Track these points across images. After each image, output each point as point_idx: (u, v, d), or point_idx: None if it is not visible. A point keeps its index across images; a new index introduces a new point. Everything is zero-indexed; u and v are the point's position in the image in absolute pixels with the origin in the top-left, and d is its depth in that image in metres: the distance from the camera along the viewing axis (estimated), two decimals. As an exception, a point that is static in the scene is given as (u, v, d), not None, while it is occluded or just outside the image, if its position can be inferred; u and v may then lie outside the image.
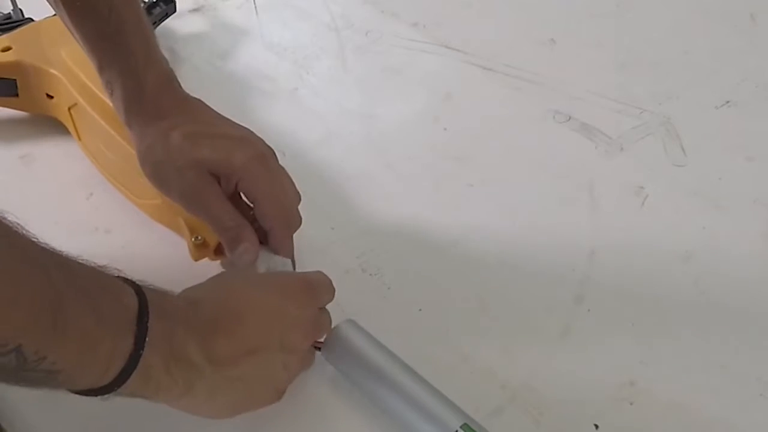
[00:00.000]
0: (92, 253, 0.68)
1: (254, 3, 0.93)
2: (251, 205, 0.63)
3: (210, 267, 0.65)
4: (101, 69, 0.65)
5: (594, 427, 0.59)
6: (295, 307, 0.55)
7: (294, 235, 0.65)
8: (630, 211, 0.73)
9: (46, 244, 0.44)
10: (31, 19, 0.83)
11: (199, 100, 0.67)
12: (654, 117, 0.81)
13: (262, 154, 0.62)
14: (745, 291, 0.68)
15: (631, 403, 0.60)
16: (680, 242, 0.71)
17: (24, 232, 0.43)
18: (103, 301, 0.45)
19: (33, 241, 0.43)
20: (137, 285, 0.48)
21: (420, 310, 0.66)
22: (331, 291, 0.60)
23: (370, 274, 0.68)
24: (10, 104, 0.76)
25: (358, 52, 0.88)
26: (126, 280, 0.48)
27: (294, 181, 0.70)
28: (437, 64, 0.87)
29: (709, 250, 0.70)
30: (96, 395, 0.46)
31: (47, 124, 0.74)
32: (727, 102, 0.83)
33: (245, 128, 0.65)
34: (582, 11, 0.93)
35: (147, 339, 0.46)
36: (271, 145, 0.65)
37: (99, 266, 0.47)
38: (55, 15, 0.80)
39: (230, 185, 0.62)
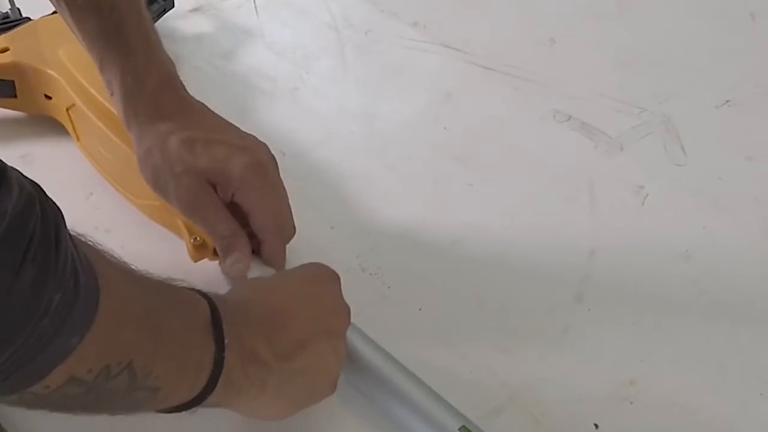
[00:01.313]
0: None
1: (254, 2, 0.92)
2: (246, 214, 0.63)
3: (210, 267, 0.65)
4: (102, 68, 0.64)
5: (594, 427, 0.59)
6: (330, 294, 0.57)
7: (294, 235, 0.66)
8: (630, 211, 0.73)
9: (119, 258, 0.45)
10: (29, 18, 0.83)
11: (202, 103, 0.66)
12: (654, 116, 0.81)
13: (260, 164, 0.62)
14: (745, 290, 0.68)
15: (631, 403, 0.60)
16: (680, 242, 0.71)
17: (106, 252, 0.44)
18: (184, 310, 0.47)
19: (117, 259, 0.45)
20: (201, 291, 0.49)
21: (420, 309, 0.66)
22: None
23: (370, 274, 0.68)
24: (9, 105, 0.76)
25: (358, 52, 0.88)
26: (191, 288, 0.49)
27: (294, 180, 0.70)
28: (437, 63, 0.87)
29: (709, 249, 0.70)
30: (184, 410, 0.47)
31: (47, 124, 0.74)
32: (727, 101, 0.83)
33: (248, 135, 0.65)
34: (582, 11, 0.93)
35: (225, 341, 0.47)
36: (271, 146, 0.65)
37: (163, 278, 0.49)
38: (53, 13, 0.80)
39: (227, 194, 0.62)
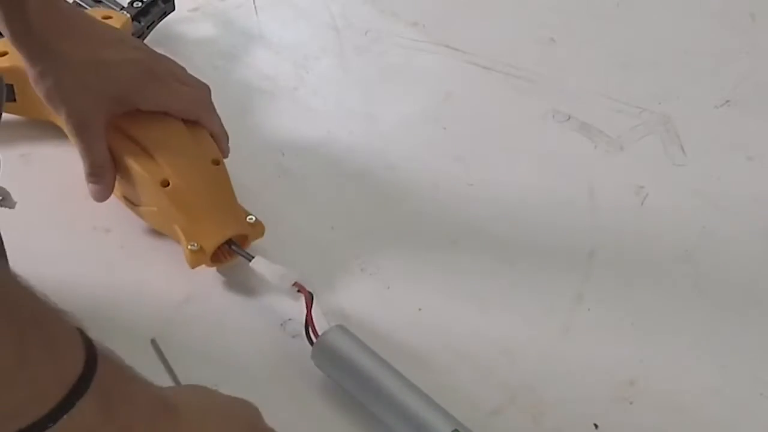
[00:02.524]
0: (91, 253, 0.68)
1: (254, 2, 0.92)
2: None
3: (208, 272, 0.65)
4: None
5: (594, 427, 0.59)
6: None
7: (294, 235, 0.67)
8: (630, 211, 0.73)
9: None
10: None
11: (80, 12, 0.70)
12: (654, 116, 0.81)
13: (152, 72, 0.68)
14: (744, 290, 0.68)
15: (631, 403, 0.60)
16: (680, 241, 0.71)
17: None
18: (32, 345, 0.37)
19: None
20: (89, 347, 0.40)
21: (420, 309, 0.66)
22: None
23: (370, 274, 0.68)
24: (9, 109, 0.75)
25: (358, 52, 0.88)
26: (81, 335, 0.40)
27: (294, 180, 0.70)
28: (437, 63, 0.87)
29: (708, 249, 0.70)
30: None
31: (47, 124, 0.74)
32: (727, 101, 0.83)
33: (126, 40, 0.70)
34: (582, 11, 0.93)
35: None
36: (270, 146, 0.66)
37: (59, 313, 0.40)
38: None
39: (131, 107, 0.67)
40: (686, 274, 0.68)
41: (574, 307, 0.66)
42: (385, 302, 0.66)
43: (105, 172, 0.67)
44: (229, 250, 0.64)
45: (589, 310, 0.66)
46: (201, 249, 0.63)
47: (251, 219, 0.66)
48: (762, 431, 0.60)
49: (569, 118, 0.81)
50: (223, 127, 0.71)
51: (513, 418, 0.59)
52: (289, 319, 0.64)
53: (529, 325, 0.65)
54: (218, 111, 0.71)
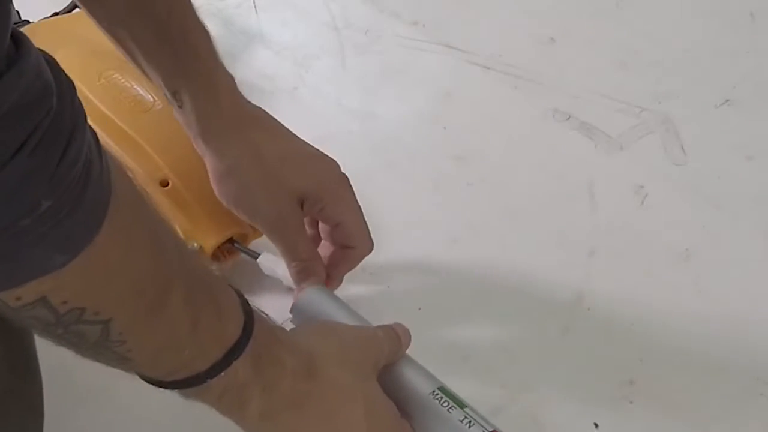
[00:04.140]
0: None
1: (254, 2, 0.92)
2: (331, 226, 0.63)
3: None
4: (165, 78, 0.59)
5: (594, 427, 0.59)
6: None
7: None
8: (629, 210, 0.73)
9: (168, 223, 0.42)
10: (28, 21, 0.83)
11: (262, 109, 0.64)
12: (654, 116, 0.81)
13: (344, 176, 0.63)
14: (744, 290, 0.68)
15: (631, 402, 0.60)
16: (680, 241, 0.71)
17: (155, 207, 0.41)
18: (204, 312, 0.43)
19: (162, 219, 0.42)
20: (247, 312, 0.46)
21: (420, 309, 0.66)
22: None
23: (370, 274, 0.68)
24: None
25: (358, 52, 0.88)
26: (241, 300, 0.46)
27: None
28: (437, 63, 0.87)
29: (708, 248, 0.70)
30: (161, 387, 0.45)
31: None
32: (727, 101, 0.83)
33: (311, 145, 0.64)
34: (582, 10, 0.93)
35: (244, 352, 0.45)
36: None
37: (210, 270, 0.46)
38: (52, 16, 0.80)
39: (314, 209, 0.61)
40: (686, 273, 0.68)
41: (573, 306, 0.66)
42: (385, 302, 0.66)
43: (313, 263, 0.61)
44: (230, 249, 0.64)
45: (589, 309, 0.66)
46: (201, 249, 0.63)
47: None
48: (762, 431, 0.59)
49: (569, 117, 0.81)
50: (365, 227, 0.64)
51: (513, 418, 0.59)
52: (289, 318, 0.64)
53: (529, 325, 0.65)
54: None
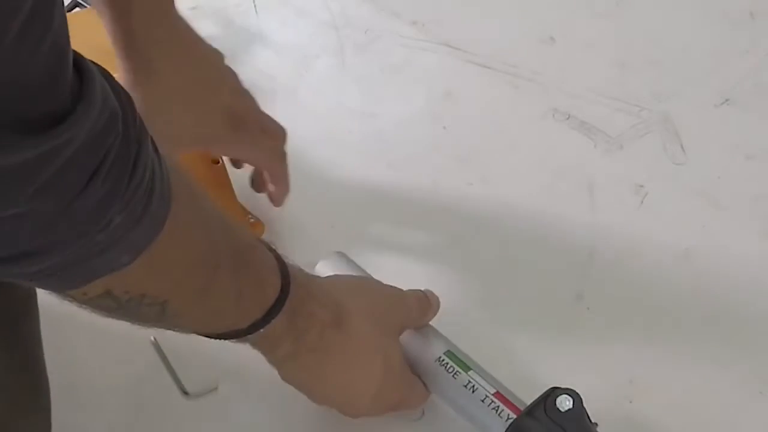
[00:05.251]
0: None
1: (254, 2, 0.92)
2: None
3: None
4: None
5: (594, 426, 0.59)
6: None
7: (294, 234, 0.67)
8: (629, 210, 0.73)
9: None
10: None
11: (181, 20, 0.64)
12: (653, 115, 0.81)
13: (240, 120, 0.65)
14: (744, 289, 0.68)
15: (631, 402, 0.60)
16: (679, 240, 0.71)
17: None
18: (246, 283, 0.47)
19: (210, 205, 0.45)
20: (284, 274, 0.50)
21: (420, 309, 0.66)
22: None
23: (371, 273, 0.68)
24: None
25: (358, 51, 0.88)
26: (278, 263, 0.50)
27: (294, 180, 0.70)
28: (436, 62, 0.87)
29: (708, 248, 0.70)
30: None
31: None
32: (727, 100, 0.83)
33: (223, 76, 0.66)
34: (582, 9, 0.93)
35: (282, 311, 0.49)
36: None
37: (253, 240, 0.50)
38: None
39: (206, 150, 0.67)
40: (686, 273, 0.68)
41: (573, 305, 0.66)
42: (385, 302, 0.66)
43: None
44: None
45: (588, 309, 0.66)
46: None
47: (251, 219, 0.66)
48: (762, 430, 0.60)
49: (569, 116, 0.81)
50: (288, 179, 0.68)
51: (513, 418, 0.59)
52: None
53: (528, 324, 0.65)
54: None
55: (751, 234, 0.72)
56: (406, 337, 0.58)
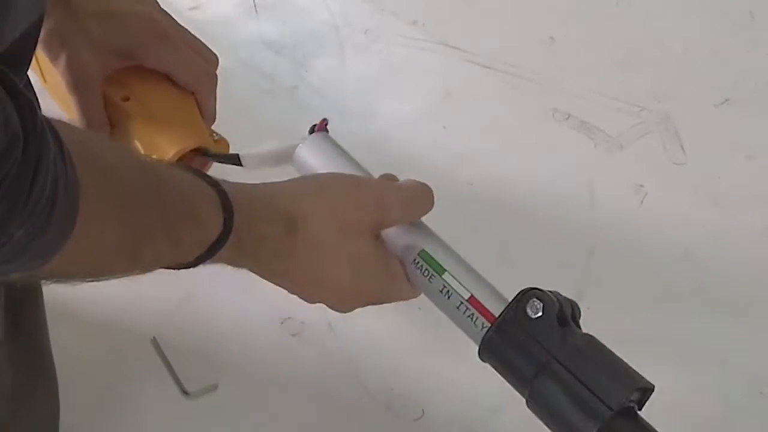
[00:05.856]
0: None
1: (254, 2, 0.92)
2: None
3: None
4: None
5: (594, 426, 0.59)
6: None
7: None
8: (629, 209, 0.73)
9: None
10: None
11: None
12: (653, 115, 0.81)
13: (161, 29, 0.63)
14: (744, 289, 0.68)
15: (631, 402, 0.60)
16: (679, 240, 0.71)
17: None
18: (184, 229, 0.47)
19: (130, 164, 0.45)
20: (226, 208, 0.49)
21: (420, 309, 0.65)
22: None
23: (370, 273, 0.68)
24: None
25: (358, 51, 0.88)
26: (220, 197, 0.49)
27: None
28: (436, 62, 0.87)
29: (708, 247, 0.70)
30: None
31: (45, 108, 0.74)
32: (727, 100, 0.83)
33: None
34: (582, 9, 0.93)
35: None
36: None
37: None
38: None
39: (145, 61, 0.63)
40: (686, 272, 0.68)
41: (573, 306, 0.66)
42: (385, 301, 0.66)
43: (100, 131, 0.63)
44: (203, 160, 0.63)
45: (588, 308, 0.66)
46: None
47: (215, 137, 0.65)
48: (762, 430, 0.60)
49: (569, 116, 0.81)
50: (214, 108, 0.67)
51: (513, 418, 0.59)
52: (289, 318, 0.64)
53: (529, 324, 0.65)
54: (217, 110, 0.70)
55: (751, 233, 0.72)
56: (390, 235, 0.56)
